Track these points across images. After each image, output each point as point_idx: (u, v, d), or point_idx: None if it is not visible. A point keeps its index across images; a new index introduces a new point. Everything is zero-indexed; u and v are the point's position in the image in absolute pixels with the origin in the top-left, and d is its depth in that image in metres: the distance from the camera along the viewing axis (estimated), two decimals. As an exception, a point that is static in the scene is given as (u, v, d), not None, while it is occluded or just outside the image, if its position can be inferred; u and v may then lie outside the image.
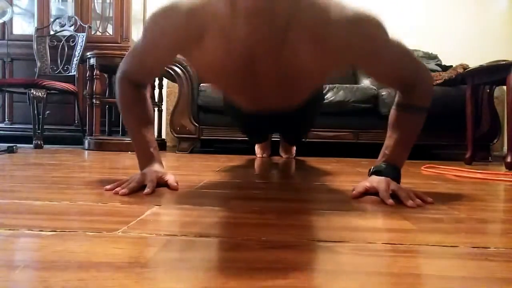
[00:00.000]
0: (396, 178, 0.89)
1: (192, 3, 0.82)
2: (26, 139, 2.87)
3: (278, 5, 0.71)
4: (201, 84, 2.61)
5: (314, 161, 2.01)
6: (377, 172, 0.91)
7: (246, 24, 0.70)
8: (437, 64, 2.89)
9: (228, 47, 0.83)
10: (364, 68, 0.95)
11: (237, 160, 1.99)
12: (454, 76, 2.52)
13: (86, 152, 2.46)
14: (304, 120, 1.54)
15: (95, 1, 3.25)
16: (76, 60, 3.00)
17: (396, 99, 0.96)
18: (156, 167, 0.96)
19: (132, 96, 1.00)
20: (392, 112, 0.96)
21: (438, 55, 3.10)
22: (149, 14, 0.92)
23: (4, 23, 3.10)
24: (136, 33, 3.34)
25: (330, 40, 0.80)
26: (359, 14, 0.78)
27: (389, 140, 0.94)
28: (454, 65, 2.69)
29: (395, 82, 0.93)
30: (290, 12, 0.73)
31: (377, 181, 0.87)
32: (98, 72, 2.63)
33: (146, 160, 0.98)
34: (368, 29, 0.79)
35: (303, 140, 2.13)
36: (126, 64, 0.98)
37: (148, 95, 1.05)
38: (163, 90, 3.01)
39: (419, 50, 3.10)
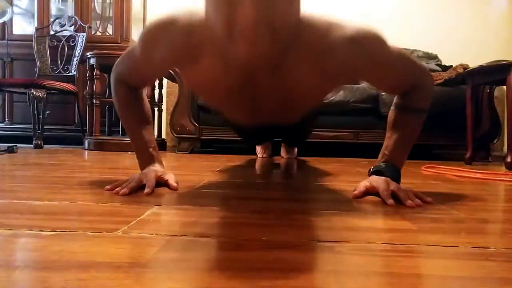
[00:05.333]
0: (396, 178, 0.89)
1: (190, 20, 0.81)
2: (26, 139, 2.87)
3: (278, 18, 0.66)
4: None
5: (314, 161, 2.01)
6: (377, 172, 0.91)
7: (244, 42, 0.65)
8: (437, 64, 2.89)
9: (225, 68, 0.82)
10: (367, 81, 0.95)
11: (237, 160, 1.99)
12: (454, 76, 2.53)
13: (86, 152, 2.46)
14: (302, 130, 1.55)
15: (95, 1, 3.25)
16: (76, 60, 3.00)
17: (395, 100, 0.96)
18: (156, 166, 0.96)
19: (128, 96, 0.99)
20: (392, 113, 0.96)
21: (438, 55, 3.10)
22: (148, 20, 0.93)
23: (4, 23, 3.09)
24: (136, 33, 3.34)
25: (330, 61, 0.79)
26: (358, 32, 0.78)
27: (389, 140, 0.94)
28: (454, 65, 2.69)
29: (398, 89, 0.93)
30: (290, 29, 0.71)
31: (377, 181, 0.87)
32: (98, 72, 2.63)
33: (145, 160, 0.98)
34: (369, 46, 0.79)
35: (303, 142, 2.13)
36: (121, 68, 0.97)
37: (145, 94, 1.05)
38: (163, 90, 3.01)
39: (419, 50, 3.10)
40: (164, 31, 0.83)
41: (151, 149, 0.99)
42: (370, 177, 0.91)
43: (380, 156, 0.95)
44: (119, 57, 0.98)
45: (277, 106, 0.95)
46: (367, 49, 0.78)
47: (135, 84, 0.99)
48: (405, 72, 0.89)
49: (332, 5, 3.37)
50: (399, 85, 0.91)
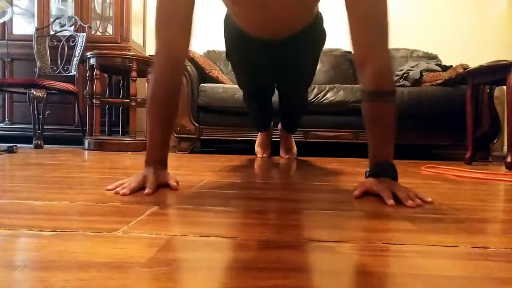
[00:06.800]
0: (393, 175, 0.89)
1: None
2: (26, 139, 2.87)
3: None
4: (201, 84, 2.61)
5: (314, 161, 2.01)
6: (373, 175, 0.90)
7: None
8: (437, 64, 2.89)
9: None
10: None
11: (237, 160, 1.99)
12: (454, 76, 2.52)
13: (86, 152, 2.46)
14: (304, 60, 1.53)
15: (95, 1, 3.24)
16: (76, 60, 3.00)
17: (362, 86, 0.95)
18: (158, 167, 0.96)
19: (168, 79, 0.96)
20: (364, 106, 0.95)
21: (438, 55, 3.10)
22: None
23: (4, 23, 3.09)
24: (136, 33, 3.34)
25: None
26: None
27: (372, 139, 0.94)
28: (454, 65, 2.69)
29: (364, 25, 0.93)
30: None
31: (376, 182, 0.87)
32: (98, 72, 2.63)
33: (154, 158, 0.98)
34: None
35: (299, 119, 2.09)
36: (159, 27, 0.95)
37: (181, 88, 1.04)
38: (163, 90, 3.00)
39: (419, 50, 3.10)
40: None
41: (163, 149, 0.99)
42: (370, 177, 0.91)
43: (369, 157, 0.94)
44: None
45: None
46: None
47: (176, 39, 0.95)
48: (379, 10, 0.90)
49: (332, 4, 3.37)
50: (367, 20, 0.92)
